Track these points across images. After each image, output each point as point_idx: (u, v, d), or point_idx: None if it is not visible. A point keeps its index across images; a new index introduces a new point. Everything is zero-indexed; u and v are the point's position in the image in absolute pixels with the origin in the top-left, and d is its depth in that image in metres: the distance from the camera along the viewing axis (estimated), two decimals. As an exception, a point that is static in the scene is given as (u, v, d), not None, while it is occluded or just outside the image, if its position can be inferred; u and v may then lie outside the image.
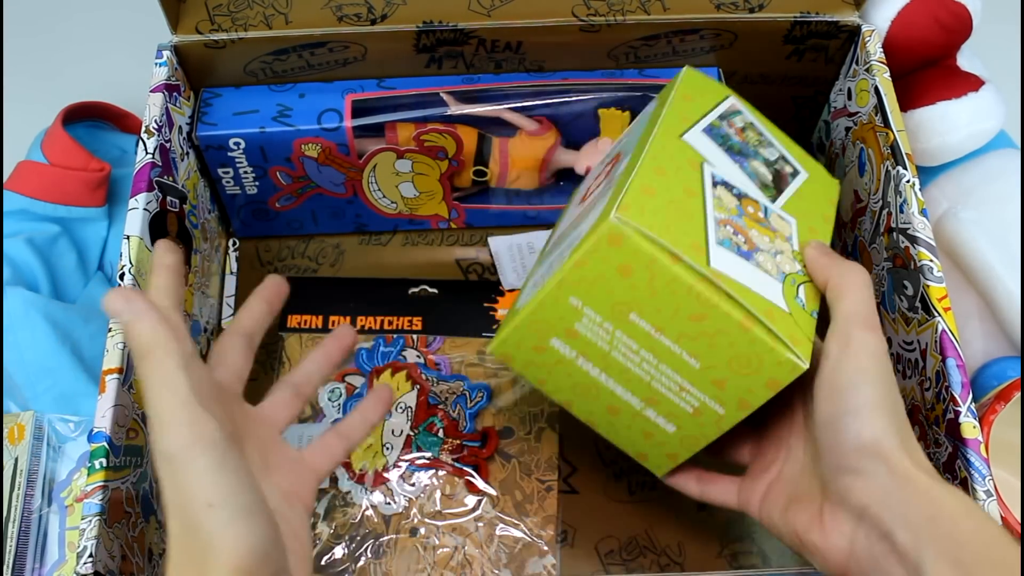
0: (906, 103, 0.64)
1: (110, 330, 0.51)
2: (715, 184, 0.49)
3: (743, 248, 0.48)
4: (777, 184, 0.52)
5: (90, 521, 0.47)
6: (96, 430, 0.49)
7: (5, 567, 0.57)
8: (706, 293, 0.45)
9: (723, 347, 0.47)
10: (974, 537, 0.41)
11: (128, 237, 0.54)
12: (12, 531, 0.58)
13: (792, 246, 0.50)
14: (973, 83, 0.63)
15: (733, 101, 0.54)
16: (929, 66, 0.65)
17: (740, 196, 0.50)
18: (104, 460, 0.48)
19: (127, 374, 0.51)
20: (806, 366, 0.46)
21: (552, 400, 0.54)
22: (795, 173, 0.54)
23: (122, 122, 0.74)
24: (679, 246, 0.45)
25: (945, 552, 0.41)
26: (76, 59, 0.83)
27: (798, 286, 0.48)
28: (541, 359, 0.51)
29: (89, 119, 0.72)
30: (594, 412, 0.53)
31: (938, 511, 0.41)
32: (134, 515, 0.51)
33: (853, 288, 0.47)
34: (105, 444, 0.49)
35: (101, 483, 0.48)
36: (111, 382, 0.50)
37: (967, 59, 0.66)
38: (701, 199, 0.48)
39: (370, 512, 0.61)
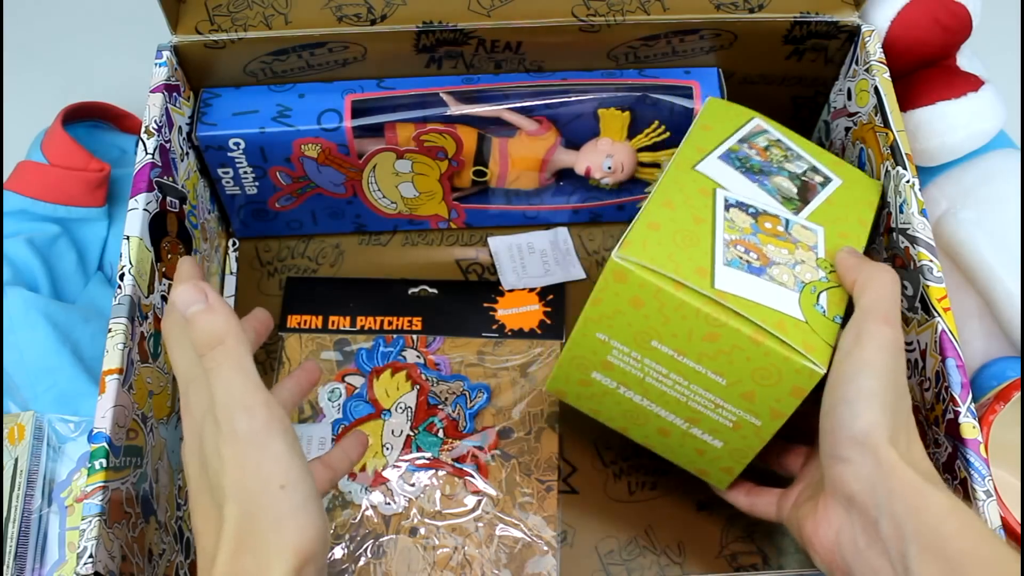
0: (906, 103, 0.64)
1: (110, 331, 0.51)
2: (728, 207, 0.52)
3: (754, 264, 0.49)
4: (803, 195, 0.54)
5: (90, 522, 0.47)
6: (96, 431, 0.49)
7: (5, 567, 0.57)
8: (713, 314, 0.48)
9: (742, 362, 0.49)
10: (960, 533, 0.41)
11: (128, 237, 0.54)
12: (12, 531, 0.58)
13: (817, 254, 0.51)
14: (973, 83, 0.63)
15: (757, 122, 0.57)
16: (929, 66, 0.65)
17: (757, 214, 0.52)
18: (104, 460, 0.48)
19: (127, 374, 0.51)
20: (823, 371, 0.47)
21: (613, 428, 0.57)
22: (826, 182, 0.55)
23: (122, 122, 0.74)
24: (681, 273, 0.48)
25: (929, 546, 0.41)
26: (76, 59, 0.83)
27: (819, 293, 0.50)
28: (589, 392, 0.55)
29: (89, 119, 0.72)
30: (649, 435, 0.56)
31: (923, 504, 0.42)
32: (134, 515, 0.51)
33: (876, 285, 0.48)
34: (105, 444, 0.49)
35: (101, 483, 0.48)
36: (111, 383, 0.50)
37: (967, 59, 0.66)
38: (711, 224, 0.51)
39: (370, 512, 0.61)
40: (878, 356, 0.45)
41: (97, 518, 0.47)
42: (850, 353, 0.46)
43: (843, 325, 0.49)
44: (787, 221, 0.52)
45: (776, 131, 0.57)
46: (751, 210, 0.52)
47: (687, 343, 0.49)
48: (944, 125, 0.63)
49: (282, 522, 0.39)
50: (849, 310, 0.49)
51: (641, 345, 0.50)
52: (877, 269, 0.48)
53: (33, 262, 0.65)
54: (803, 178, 0.55)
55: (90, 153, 0.68)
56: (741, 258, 0.49)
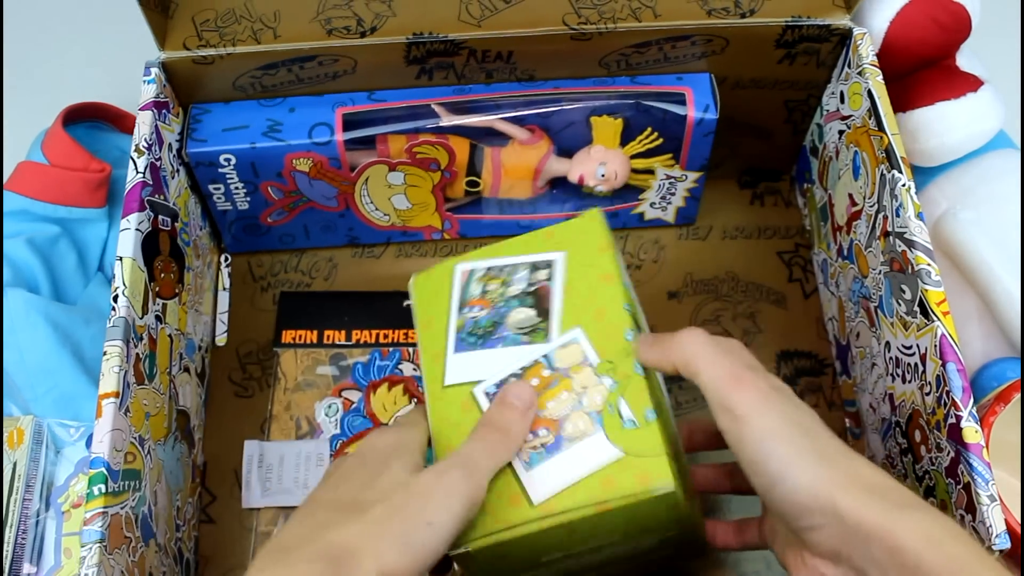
0: (905, 104, 0.63)
1: (105, 353, 0.51)
2: (492, 400, 0.50)
3: (549, 444, 0.48)
4: (541, 310, 0.52)
5: (90, 548, 0.47)
6: (94, 455, 0.48)
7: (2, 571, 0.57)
8: (555, 527, 0.47)
9: (613, 522, 0.47)
10: (941, 565, 0.40)
11: (121, 259, 0.54)
12: (9, 536, 0.58)
13: (591, 363, 0.50)
14: (972, 83, 0.63)
15: (461, 269, 0.55)
16: (928, 66, 0.65)
17: (520, 379, 0.50)
18: (103, 486, 0.48)
19: (123, 397, 0.51)
20: (672, 487, 0.46)
21: None
22: (551, 268, 0.53)
23: (122, 123, 0.74)
24: (501, 517, 0.47)
25: None
26: (76, 59, 0.83)
27: (618, 408, 0.48)
28: None
29: (89, 120, 0.72)
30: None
31: (898, 544, 0.40)
32: (134, 539, 0.51)
33: (696, 357, 0.46)
34: (103, 470, 0.48)
35: (101, 509, 0.48)
36: (107, 406, 0.49)
37: (966, 59, 0.66)
38: None
39: (371, 528, 0.61)
40: (763, 420, 0.44)
41: (97, 544, 0.47)
42: (739, 435, 0.45)
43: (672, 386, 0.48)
44: (547, 358, 0.50)
45: (481, 260, 0.55)
46: (512, 381, 0.50)
47: (563, 543, 0.48)
48: (944, 125, 0.63)
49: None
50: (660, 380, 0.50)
51: (536, 561, 0.50)
52: (681, 343, 0.47)
53: (33, 263, 0.65)
54: (532, 289, 0.53)
55: (90, 153, 0.67)
56: (535, 448, 0.48)
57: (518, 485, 0.47)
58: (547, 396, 0.49)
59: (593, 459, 0.47)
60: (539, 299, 0.52)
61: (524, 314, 0.52)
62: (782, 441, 0.44)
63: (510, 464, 0.48)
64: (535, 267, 0.54)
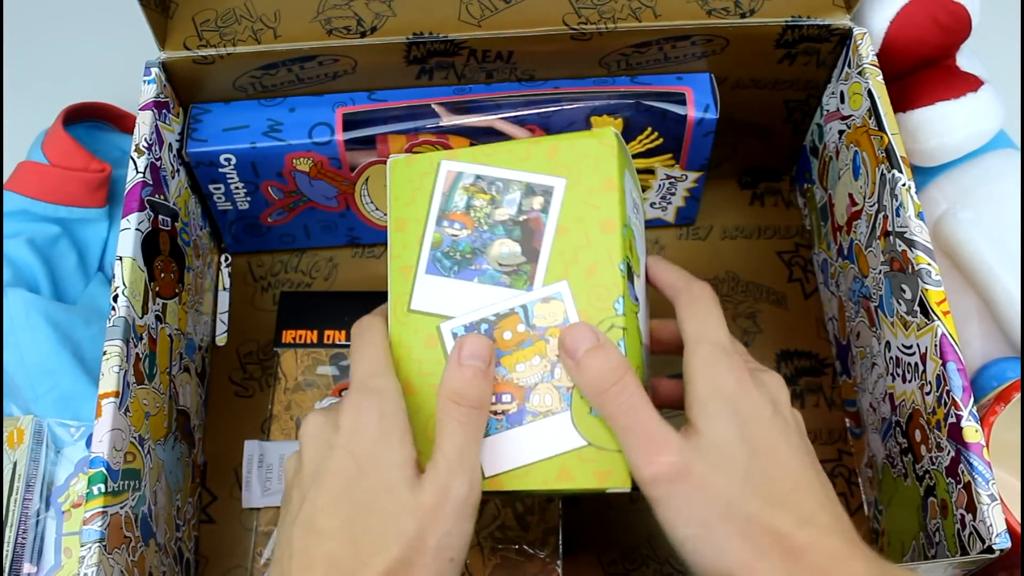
0: (905, 104, 0.63)
1: (105, 353, 0.51)
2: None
3: (511, 413, 0.46)
4: (528, 248, 0.48)
5: (90, 548, 0.47)
6: (93, 455, 0.48)
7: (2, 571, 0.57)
8: (505, 488, 0.46)
9: (563, 494, 0.47)
10: None
11: (121, 258, 0.54)
12: (9, 535, 0.58)
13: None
14: (972, 83, 0.63)
15: (448, 169, 0.50)
16: (928, 66, 0.65)
17: (491, 329, 0.47)
18: (103, 485, 0.48)
19: (123, 397, 0.51)
20: (628, 489, 0.45)
21: None
22: (547, 197, 0.48)
23: (123, 123, 0.74)
24: None
25: None
26: (77, 60, 0.83)
27: None
28: None
29: (90, 120, 0.72)
30: None
31: None
32: (133, 539, 0.51)
33: (615, 419, 0.44)
34: (103, 469, 0.48)
35: (100, 508, 0.48)
36: (107, 406, 0.49)
37: (967, 59, 0.66)
38: None
39: (371, 528, 0.61)
40: (675, 503, 0.42)
41: (97, 544, 0.47)
42: (657, 515, 0.43)
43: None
44: (524, 310, 0.46)
45: (471, 164, 0.49)
46: (484, 328, 0.47)
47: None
48: (944, 125, 0.63)
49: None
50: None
51: None
52: (609, 396, 0.44)
53: (34, 263, 0.65)
54: (521, 219, 0.48)
55: (91, 154, 0.67)
56: (495, 415, 0.46)
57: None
58: (518, 356, 0.46)
59: (554, 444, 0.45)
60: (527, 233, 0.48)
61: (508, 248, 0.48)
62: (690, 530, 0.42)
63: None
64: (530, 190, 0.48)
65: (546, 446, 0.45)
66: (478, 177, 0.49)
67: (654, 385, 0.54)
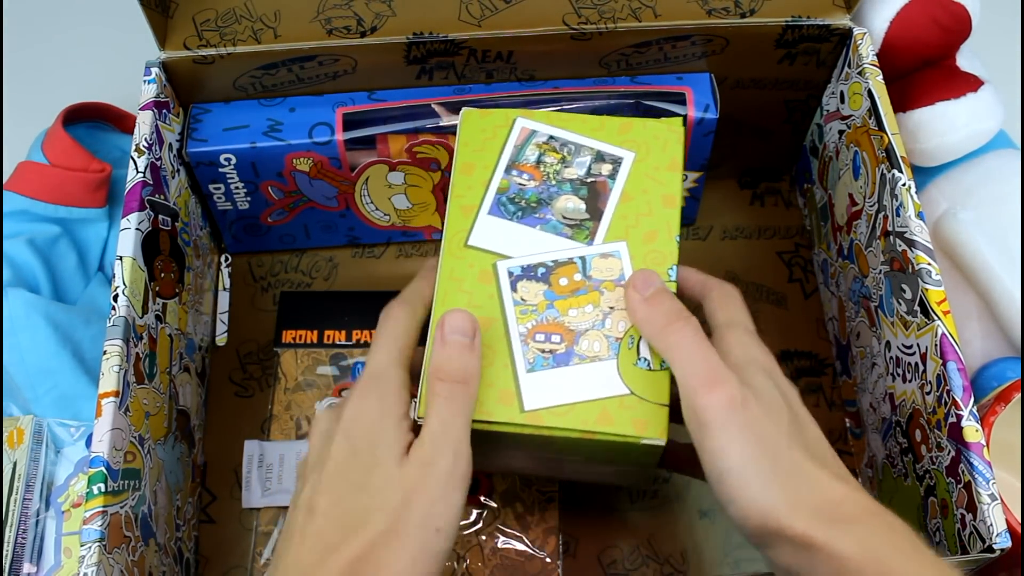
0: (905, 104, 0.63)
1: (105, 352, 0.51)
2: (514, 283, 0.48)
3: (559, 352, 0.47)
4: (593, 207, 0.50)
5: (89, 548, 0.47)
6: (93, 455, 0.48)
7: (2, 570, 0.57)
8: (536, 433, 0.46)
9: (598, 448, 0.47)
10: None
11: (121, 258, 0.54)
12: (9, 535, 0.58)
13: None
14: (972, 83, 0.63)
15: (522, 125, 0.52)
16: (928, 66, 0.65)
17: (548, 274, 0.49)
18: (102, 485, 0.48)
19: (123, 397, 0.51)
20: (663, 442, 0.46)
21: None
22: (616, 167, 0.51)
23: (123, 123, 0.74)
24: (486, 409, 0.46)
25: None
26: (77, 59, 0.83)
27: (638, 344, 0.47)
28: None
29: (90, 120, 0.72)
30: None
31: (841, 561, 0.41)
32: (133, 539, 0.51)
33: (677, 347, 0.45)
34: (103, 469, 0.48)
35: (100, 508, 0.47)
36: (107, 406, 0.49)
37: (967, 59, 0.66)
38: (502, 322, 0.48)
39: (371, 528, 0.61)
40: (725, 433, 0.43)
41: (97, 544, 0.47)
42: (701, 446, 0.44)
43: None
44: (583, 261, 0.49)
45: (546, 125, 0.52)
46: (541, 271, 0.49)
47: (531, 443, 0.48)
48: (944, 125, 0.63)
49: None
50: None
51: (495, 443, 0.48)
52: (669, 331, 0.46)
53: (34, 263, 0.65)
54: (589, 180, 0.51)
55: (91, 154, 0.67)
56: (543, 352, 0.47)
57: (513, 383, 0.47)
58: (572, 303, 0.48)
59: (598, 388, 0.46)
60: (594, 194, 0.50)
61: (573, 204, 0.50)
62: (738, 460, 0.43)
63: (511, 356, 0.47)
64: (600, 157, 0.51)
65: (590, 388, 0.46)
66: (551, 137, 0.52)
67: None
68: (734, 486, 0.43)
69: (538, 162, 0.51)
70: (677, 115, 0.53)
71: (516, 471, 0.59)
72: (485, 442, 0.47)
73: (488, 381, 0.47)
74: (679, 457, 0.52)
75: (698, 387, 0.44)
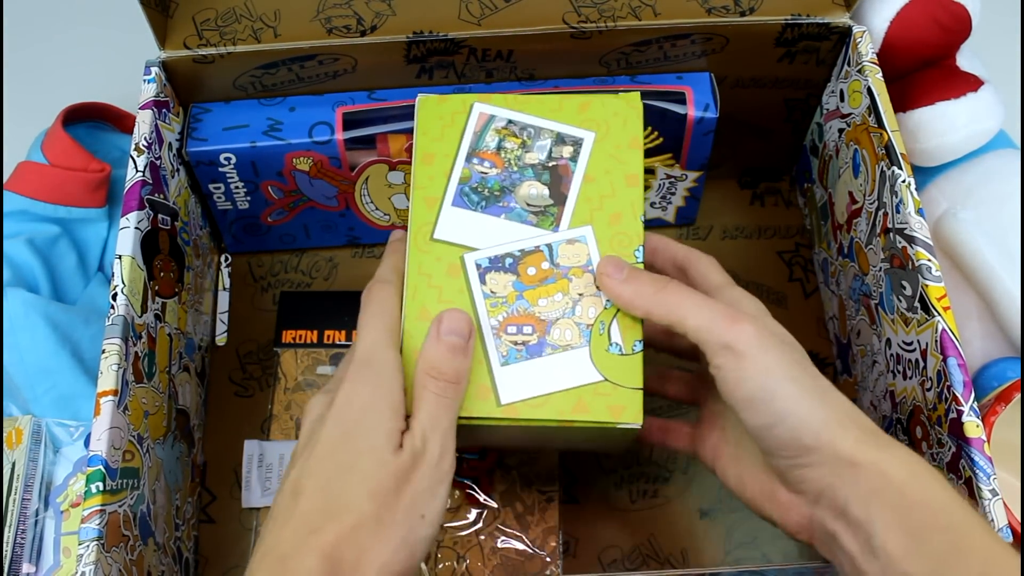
0: (905, 103, 0.63)
1: (104, 351, 0.51)
2: (483, 276, 0.49)
3: (532, 344, 0.48)
4: (557, 192, 0.50)
5: (88, 546, 0.46)
6: (92, 453, 0.48)
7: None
8: (513, 426, 0.47)
9: (576, 431, 0.48)
10: (921, 504, 0.41)
11: (120, 257, 0.54)
12: (8, 535, 0.58)
13: (594, 271, 0.49)
14: (972, 83, 0.63)
15: (480, 111, 0.52)
16: (928, 66, 0.65)
17: (516, 263, 0.49)
18: (101, 484, 0.48)
19: (122, 395, 0.50)
20: (639, 426, 0.46)
21: None
22: (577, 149, 0.51)
23: (122, 123, 0.74)
24: (464, 406, 0.46)
25: (894, 521, 0.41)
26: (77, 60, 0.83)
27: (609, 328, 0.48)
28: None
29: (89, 120, 0.72)
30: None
31: (886, 483, 0.42)
32: (132, 538, 0.50)
33: (682, 303, 0.46)
34: (101, 468, 0.48)
35: (98, 507, 0.47)
36: (106, 404, 0.49)
37: (967, 59, 0.66)
38: (473, 315, 0.48)
39: (370, 527, 0.61)
40: (766, 357, 0.44)
41: (95, 542, 0.47)
42: (741, 376, 0.44)
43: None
44: (549, 249, 0.49)
45: (504, 109, 0.52)
46: (508, 262, 0.49)
47: (510, 433, 0.48)
48: (944, 125, 0.63)
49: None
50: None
51: (474, 432, 0.49)
52: (664, 290, 0.47)
53: (33, 263, 0.65)
54: (551, 164, 0.50)
55: (90, 154, 0.68)
56: (516, 345, 0.47)
57: (489, 378, 0.47)
58: (541, 292, 0.48)
59: (571, 376, 0.47)
60: (556, 178, 0.50)
61: (536, 189, 0.50)
62: (785, 380, 0.44)
63: (484, 350, 0.47)
64: (561, 139, 0.51)
65: (564, 378, 0.47)
66: (510, 122, 0.52)
67: (665, 374, 0.56)
68: (785, 401, 0.44)
69: (499, 148, 0.51)
70: (634, 92, 0.53)
71: (498, 446, 0.60)
72: (466, 430, 0.47)
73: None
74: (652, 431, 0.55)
75: (722, 324, 0.45)
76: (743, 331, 0.44)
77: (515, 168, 0.51)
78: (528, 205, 0.50)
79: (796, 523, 0.46)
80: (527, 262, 0.49)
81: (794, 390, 0.44)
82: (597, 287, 0.48)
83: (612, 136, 0.51)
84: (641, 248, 0.49)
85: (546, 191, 0.50)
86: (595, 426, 0.47)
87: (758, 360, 0.44)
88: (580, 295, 0.48)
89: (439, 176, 0.51)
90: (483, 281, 0.49)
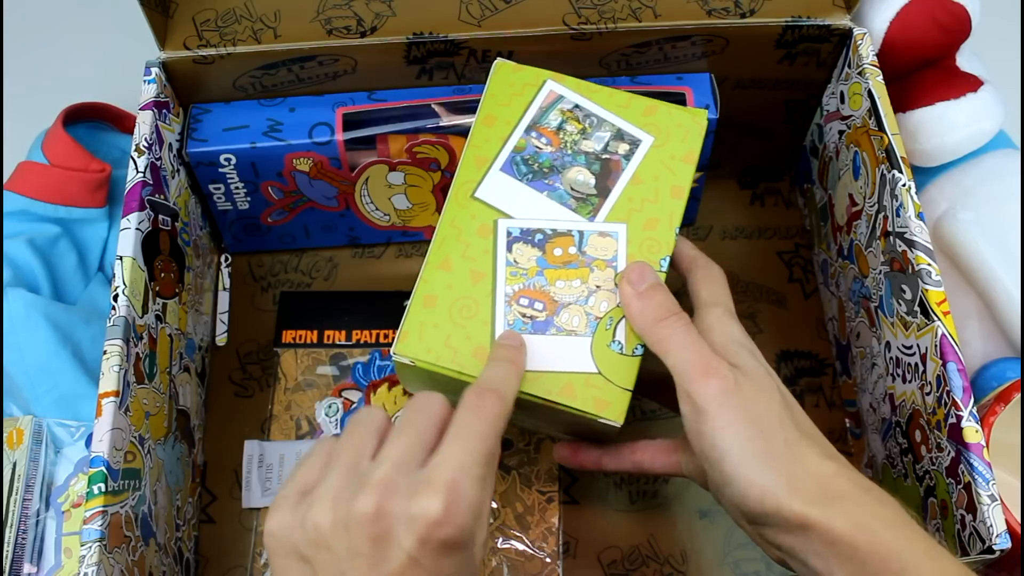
0: (905, 104, 0.63)
1: (105, 352, 0.51)
2: (510, 244, 0.50)
3: (539, 320, 0.48)
4: (603, 184, 0.51)
5: (90, 547, 0.47)
6: (93, 454, 0.48)
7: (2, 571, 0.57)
8: None
9: (557, 413, 0.48)
10: (872, 554, 0.41)
11: (121, 258, 0.54)
12: (9, 536, 0.58)
13: (616, 267, 0.49)
14: (972, 83, 0.63)
15: (551, 88, 0.53)
16: (928, 67, 0.65)
17: (545, 241, 0.50)
18: (103, 485, 0.48)
19: (123, 396, 0.51)
20: (619, 425, 0.47)
21: None
22: (632, 149, 0.52)
23: (123, 123, 0.74)
24: (459, 362, 0.47)
25: (853, 574, 0.42)
26: (77, 60, 0.83)
27: (616, 326, 0.48)
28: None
29: (90, 120, 0.72)
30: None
31: (836, 539, 0.42)
32: (134, 539, 0.51)
33: (669, 340, 0.46)
34: (103, 468, 0.48)
35: (100, 508, 0.48)
36: (107, 405, 0.49)
37: (967, 59, 0.66)
38: (491, 279, 0.49)
39: (371, 528, 0.61)
40: (721, 416, 0.44)
41: (97, 543, 0.47)
42: (698, 430, 0.45)
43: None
44: (580, 236, 0.50)
45: (574, 93, 0.53)
46: (538, 237, 0.50)
47: None
48: (944, 125, 0.63)
49: None
50: None
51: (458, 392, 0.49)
52: (659, 324, 0.47)
53: (34, 263, 0.65)
54: (604, 156, 0.51)
55: (91, 154, 0.67)
56: (524, 317, 0.48)
57: (488, 341, 0.48)
58: (561, 274, 0.49)
59: (568, 361, 0.48)
60: (605, 171, 0.51)
61: (584, 177, 0.51)
62: (738, 441, 0.44)
63: (492, 314, 0.48)
64: (620, 135, 0.52)
65: (560, 360, 0.48)
66: (577, 106, 0.53)
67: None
68: (733, 466, 0.44)
69: (559, 128, 0.52)
70: (702, 110, 0.54)
71: None
72: (455, 384, 0.48)
73: (467, 333, 0.48)
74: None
75: (692, 375, 0.45)
76: (708, 386, 0.44)
77: (569, 151, 0.52)
78: (572, 189, 0.51)
79: (775, 555, 0.46)
80: (556, 243, 0.50)
81: (743, 454, 0.44)
82: (615, 284, 0.49)
83: (670, 145, 0.52)
84: (668, 259, 0.50)
85: (593, 180, 0.51)
86: (577, 413, 0.47)
87: (715, 417, 0.44)
88: (597, 287, 0.49)
89: (495, 140, 0.52)
90: (509, 249, 0.50)
